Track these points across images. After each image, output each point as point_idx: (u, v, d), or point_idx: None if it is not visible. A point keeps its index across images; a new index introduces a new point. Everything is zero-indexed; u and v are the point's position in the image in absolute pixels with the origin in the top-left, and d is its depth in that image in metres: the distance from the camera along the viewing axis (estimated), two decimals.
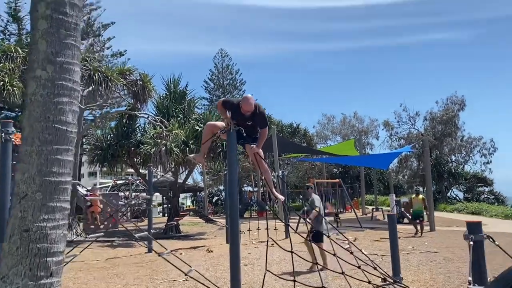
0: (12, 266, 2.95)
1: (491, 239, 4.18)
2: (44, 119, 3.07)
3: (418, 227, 15.20)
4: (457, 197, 39.41)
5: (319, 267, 8.54)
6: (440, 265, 8.85)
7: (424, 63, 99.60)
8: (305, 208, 9.59)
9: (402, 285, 6.18)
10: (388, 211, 25.21)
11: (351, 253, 5.96)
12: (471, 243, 4.12)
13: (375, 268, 5.90)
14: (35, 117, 3.08)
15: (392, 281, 6.46)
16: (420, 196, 16.18)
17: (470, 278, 3.75)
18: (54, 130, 3.10)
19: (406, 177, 44.29)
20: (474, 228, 4.18)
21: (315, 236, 8.38)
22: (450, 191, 39.77)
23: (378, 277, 6.57)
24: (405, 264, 8.57)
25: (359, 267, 5.50)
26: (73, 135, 3.25)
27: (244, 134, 5.36)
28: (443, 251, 10.90)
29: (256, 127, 5.38)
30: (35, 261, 2.97)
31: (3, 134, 5.61)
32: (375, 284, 6.32)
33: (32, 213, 3.00)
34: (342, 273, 5.36)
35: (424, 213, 15.88)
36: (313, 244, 8.37)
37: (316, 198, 9.43)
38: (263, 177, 5.45)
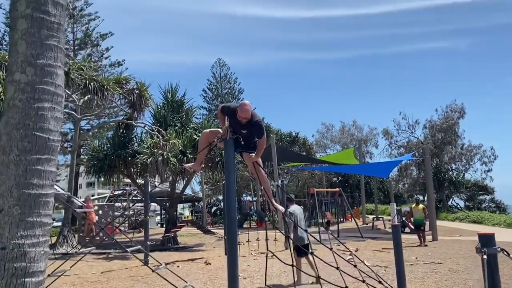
0: None
1: (505, 253, 3.93)
2: (23, 127, 2.82)
3: (421, 238, 15.11)
4: (458, 206, 39.08)
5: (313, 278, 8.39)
6: (446, 277, 8.55)
7: (423, 72, 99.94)
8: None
9: None
10: (389, 220, 24.92)
11: (355, 266, 5.69)
12: (485, 257, 3.86)
13: (380, 282, 5.63)
14: (13, 124, 2.83)
15: None
16: (420, 205, 16.10)
17: None
18: (34, 138, 2.85)
19: (406, 185, 43.96)
20: (487, 241, 3.91)
21: (298, 250, 8.23)
22: (451, 199, 39.43)
23: None
24: (409, 276, 8.28)
25: (363, 281, 5.22)
26: (56, 143, 2.99)
27: (242, 143, 5.13)
28: (448, 262, 10.60)
29: (253, 136, 5.15)
30: (12, 282, 2.70)
31: None
32: None
33: (9, 229, 2.74)
34: (346, 287, 5.09)
35: (424, 222, 15.76)
36: (302, 259, 8.43)
37: (295, 208, 8.99)
38: (262, 187, 5.20)
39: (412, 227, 19.77)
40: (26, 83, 2.86)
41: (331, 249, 5.42)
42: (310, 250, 8.39)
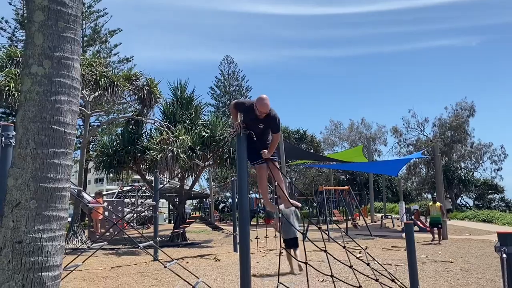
0: (3, 282, 2.66)
1: None
2: (40, 120, 2.80)
3: (436, 236, 15.20)
4: (468, 205, 38.77)
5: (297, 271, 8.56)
6: (458, 276, 8.46)
7: (433, 69, 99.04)
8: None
9: None
10: (398, 219, 24.79)
11: (368, 264, 5.63)
12: (504, 256, 3.79)
13: (393, 281, 5.57)
14: (29, 117, 2.81)
15: None
16: (438, 203, 16.09)
17: None
18: (51, 131, 2.83)
19: (415, 184, 43.72)
20: (506, 240, 3.85)
21: (288, 243, 8.92)
22: (460, 198, 39.13)
23: None
24: (421, 275, 8.19)
25: (376, 280, 5.17)
26: (72, 137, 2.97)
27: (254, 138, 5.09)
28: (459, 261, 10.49)
29: (267, 132, 5.11)
30: (28, 276, 2.69)
31: (3, 139, 5.35)
32: None
33: (26, 223, 2.72)
34: (359, 287, 5.03)
35: (444, 219, 15.92)
36: (295, 252, 8.88)
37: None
38: (276, 183, 5.15)
39: (421, 225, 19.73)
40: (43, 75, 2.84)
41: (344, 247, 5.37)
42: (297, 245, 9.00)
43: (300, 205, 6.01)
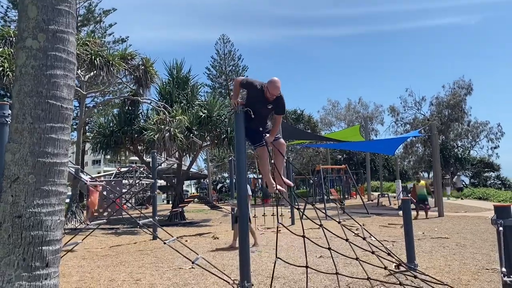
0: (4, 256, 2.68)
1: None
2: (36, 94, 2.78)
3: (420, 212, 15.92)
4: (464, 183, 39.09)
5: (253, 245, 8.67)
6: (453, 251, 8.58)
7: (430, 48, 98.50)
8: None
9: (419, 272, 5.93)
10: (394, 197, 25.00)
11: (364, 238, 5.69)
12: (501, 228, 3.82)
13: (389, 254, 5.64)
14: (25, 91, 2.78)
15: (407, 267, 6.21)
16: (422, 181, 16.65)
17: (504, 269, 3.44)
18: (48, 106, 2.80)
19: (411, 163, 43.97)
20: (503, 213, 3.87)
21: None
22: (456, 176, 39.40)
23: (391, 262, 6.33)
24: (417, 250, 8.28)
25: (373, 253, 5.23)
26: (69, 112, 2.95)
27: (252, 116, 5.08)
28: (455, 237, 10.63)
29: (272, 111, 5.09)
30: (29, 250, 2.70)
31: None
32: (392, 270, 6.08)
33: (25, 198, 2.73)
34: (356, 258, 5.10)
35: (428, 198, 16.44)
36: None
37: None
38: (272, 161, 5.15)
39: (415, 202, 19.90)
40: (38, 49, 2.80)
41: (339, 222, 5.42)
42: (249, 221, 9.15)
43: (292, 184, 6.03)
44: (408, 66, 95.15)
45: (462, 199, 25.62)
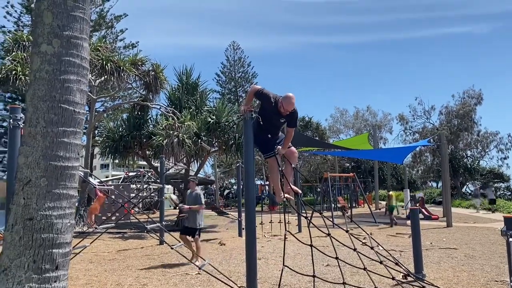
0: (15, 257, 2.71)
1: None
2: (50, 98, 2.82)
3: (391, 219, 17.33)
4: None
5: (199, 260, 8.49)
6: (462, 262, 8.49)
7: (440, 57, 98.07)
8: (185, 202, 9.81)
9: (427, 283, 5.88)
10: (402, 207, 24.81)
11: (372, 248, 5.66)
12: (511, 239, 3.80)
13: (396, 264, 5.60)
14: (39, 96, 2.83)
15: (415, 278, 6.16)
16: (391, 192, 19.05)
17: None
18: (61, 110, 2.85)
19: (420, 172, 43.62)
20: None
21: (190, 231, 8.77)
22: (466, 186, 39.05)
23: (399, 272, 6.28)
24: (425, 261, 8.23)
25: (381, 262, 5.20)
26: (81, 116, 2.99)
27: (261, 122, 5.11)
28: (463, 248, 10.52)
29: (284, 124, 5.12)
30: (39, 252, 2.73)
31: (11, 121, 5.40)
32: (399, 280, 6.04)
33: (36, 200, 2.76)
34: (364, 268, 5.07)
35: (396, 207, 18.84)
36: (189, 238, 8.79)
37: (201, 193, 9.45)
38: (281, 168, 5.16)
39: (426, 213, 19.77)
40: (52, 54, 2.85)
41: (347, 231, 5.40)
42: (197, 234, 8.80)
43: (300, 192, 6.03)
44: (418, 75, 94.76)
45: (493, 211, 24.42)
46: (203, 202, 9.10)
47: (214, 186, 36.79)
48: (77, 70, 2.95)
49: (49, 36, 2.87)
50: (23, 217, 2.76)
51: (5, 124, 29.76)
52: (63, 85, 2.87)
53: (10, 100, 29.50)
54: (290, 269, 5.13)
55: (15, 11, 30.06)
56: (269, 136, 5.04)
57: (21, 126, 5.47)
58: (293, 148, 5.35)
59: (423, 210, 20.00)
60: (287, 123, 5.03)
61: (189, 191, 9.52)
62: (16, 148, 5.44)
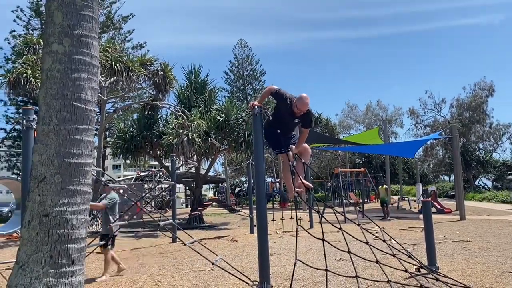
0: (32, 253, 2.77)
1: None
2: (62, 97, 2.87)
3: (386, 212, 17.86)
4: (486, 186, 38.29)
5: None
6: (476, 255, 8.42)
7: (450, 49, 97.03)
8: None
9: (440, 275, 5.85)
10: (414, 201, 24.66)
11: (384, 241, 5.65)
12: None
13: (409, 257, 5.59)
14: (51, 94, 2.88)
15: (428, 270, 6.13)
16: (384, 186, 19.28)
17: None
18: (73, 108, 2.90)
19: (431, 166, 43.30)
20: None
21: (102, 238, 7.55)
22: (478, 179, 38.65)
23: (412, 264, 6.26)
24: (439, 253, 8.19)
25: (393, 255, 5.20)
26: (93, 114, 3.04)
27: (270, 118, 5.15)
28: (477, 240, 10.43)
29: (298, 124, 5.15)
30: (55, 248, 2.79)
31: (24, 122, 5.48)
32: (413, 273, 6.02)
33: (51, 197, 2.82)
34: (377, 261, 5.08)
35: (387, 200, 18.78)
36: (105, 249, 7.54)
37: (115, 196, 7.75)
38: (293, 169, 5.21)
39: (439, 206, 19.62)
40: (63, 53, 2.90)
41: (358, 225, 5.40)
42: (109, 244, 7.43)
43: (312, 186, 6.05)
44: (427, 68, 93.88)
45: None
46: (113, 208, 7.64)
47: (225, 184, 36.91)
48: (87, 68, 3.00)
49: (59, 36, 2.92)
50: (39, 214, 2.82)
51: (17, 127, 30.17)
52: (74, 83, 2.92)
53: (21, 104, 29.87)
54: (303, 263, 5.15)
55: (25, 15, 30.41)
56: (281, 134, 5.07)
57: (35, 127, 5.57)
58: (306, 145, 5.37)
59: (435, 203, 19.86)
60: (301, 123, 5.07)
61: (104, 195, 7.95)
62: (29, 149, 5.53)
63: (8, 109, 31.43)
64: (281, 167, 32.92)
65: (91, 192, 3.15)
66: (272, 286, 5.16)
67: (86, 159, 2.99)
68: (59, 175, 2.85)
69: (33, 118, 5.57)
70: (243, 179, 48.01)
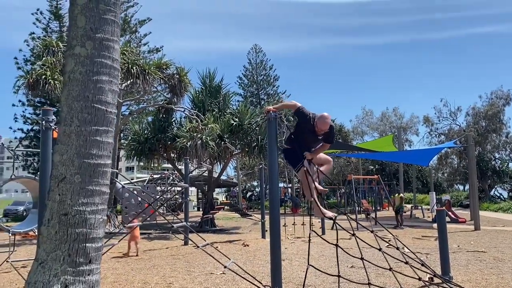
0: (51, 251, 2.83)
1: None
2: (83, 98, 2.94)
3: (399, 220, 17.70)
4: (501, 196, 37.64)
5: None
6: (491, 265, 8.30)
7: (467, 57, 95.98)
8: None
9: (454, 284, 5.78)
10: (428, 209, 24.36)
11: (397, 248, 5.62)
12: None
13: (422, 265, 5.54)
14: (73, 96, 2.95)
15: (442, 279, 6.07)
16: (399, 195, 18.98)
17: None
18: (94, 110, 2.96)
19: (445, 174, 42.75)
20: None
21: None
22: (494, 189, 38.03)
23: (425, 273, 6.19)
24: (452, 263, 8.09)
25: (406, 263, 5.17)
26: (113, 116, 3.10)
27: (285, 126, 5.20)
28: (492, 251, 10.27)
29: (322, 140, 5.19)
30: (74, 246, 2.84)
31: (43, 122, 5.59)
32: (426, 281, 5.96)
33: (71, 196, 2.88)
34: (390, 269, 5.05)
35: (402, 207, 18.61)
36: None
37: None
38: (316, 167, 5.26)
39: (453, 216, 19.36)
40: (85, 56, 2.97)
41: (372, 231, 5.38)
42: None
43: (326, 190, 6.13)
44: (443, 76, 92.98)
45: None
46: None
47: (237, 189, 36.94)
48: (108, 71, 3.06)
49: (82, 39, 2.99)
50: (59, 212, 2.88)
51: (35, 127, 30.66)
52: (95, 85, 2.98)
53: (39, 104, 30.36)
54: (315, 268, 5.14)
55: (44, 17, 31.00)
56: (301, 150, 5.09)
57: (54, 127, 5.67)
58: (329, 158, 5.44)
59: (449, 213, 19.59)
60: (324, 139, 5.14)
61: None
62: (48, 149, 5.63)
63: (25, 109, 31.87)
64: (293, 172, 32.91)
65: (108, 192, 3.21)
66: None
67: (105, 160, 3.04)
68: (79, 175, 2.92)
69: (52, 119, 5.67)
70: (255, 183, 47.98)
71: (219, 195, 53.42)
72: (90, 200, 2.93)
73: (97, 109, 2.98)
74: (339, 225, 5.01)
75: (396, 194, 19.65)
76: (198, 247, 5.17)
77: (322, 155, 5.41)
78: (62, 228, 2.85)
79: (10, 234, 7.00)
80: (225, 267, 5.16)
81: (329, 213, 5.34)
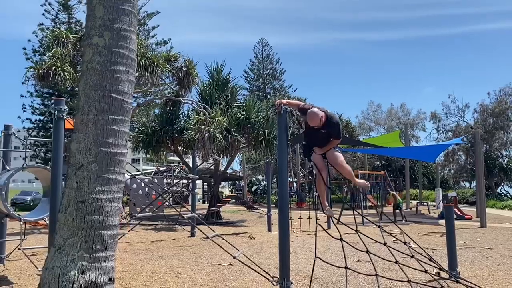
0: (68, 237, 2.89)
1: None
2: (101, 88, 2.98)
3: (399, 216, 18.22)
4: (508, 194, 37.48)
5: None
6: (497, 262, 8.30)
7: (476, 54, 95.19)
8: None
9: (462, 279, 5.81)
10: (434, 206, 24.31)
11: (404, 243, 5.65)
12: None
13: (430, 260, 5.57)
14: (91, 85, 2.99)
15: (449, 274, 6.09)
16: (391, 193, 19.97)
17: None
18: (111, 99, 3.00)
19: (452, 171, 42.60)
20: None
21: None
22: (501, 187, 37.86)
23: (433, 267, 6.22)
24: (459, 260, 8.08)
25: (412, 257, 5.21)
26: (129, 105, 3.14)
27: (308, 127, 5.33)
28: (499, 248, 10.27)
29: (329, 136, 5.35)
30: (90, 233, 2.90)
31: (56, 112, 5.64)
32: (434, 275, 5.99)
33: (88, 184, 2.93)
34: (396, 262, 5.09)
35: (402, 203, 19.58)
36: None
37: None
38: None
39: (459, 213, 19.33)
40: (103, 46, 3.01)
41: (379, 226, 5.41)
42: None
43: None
44: (451, 72, 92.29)
45: None
46: None
47: (242, 182, 37.04)
48: (125, 61, 3.10)
49: (100, 29, 3.02)
50: (76, 200, 2.93)
51: (43, 118, 30.86)
52: (113, 75, 3.02)
53: (47, 95, 30.54)
54: (323, 260, 5.19)
55: (53, 8, 31.09)
56: (313, 146, 5.40)
57: (66, 117, 5.72)
58: (340, 157, 5.53)
59: (456, 209, 19.56)
60: (330, 134, 5.27)
61: None
62: (60, 139, 5.69)
63: (33, 100, 32.08)
64: (299, 166, 32.88)
65: (124, 181, 3.25)
66: (292, 283, 5.19)
67: (121, 149, 3.09)
68: (96, 163, 2.97)
69: (65, 109, 5.72)
70: (260, 177, 48.07)
71: (224, 188, 53.60)
72: (106, 188, 2.99)
73: (114, 99, 3.02)
74: (340, 221, 5.07)
75: (388, 195, 20.62)
76: (207, 237, 5.23)
77: (347, 168, 5.50)
78: (79, 215, 2.90)
79: (21, 222, 7.10)
80: (234, 257, 5.22)
81: (327, 211, 5.60)
